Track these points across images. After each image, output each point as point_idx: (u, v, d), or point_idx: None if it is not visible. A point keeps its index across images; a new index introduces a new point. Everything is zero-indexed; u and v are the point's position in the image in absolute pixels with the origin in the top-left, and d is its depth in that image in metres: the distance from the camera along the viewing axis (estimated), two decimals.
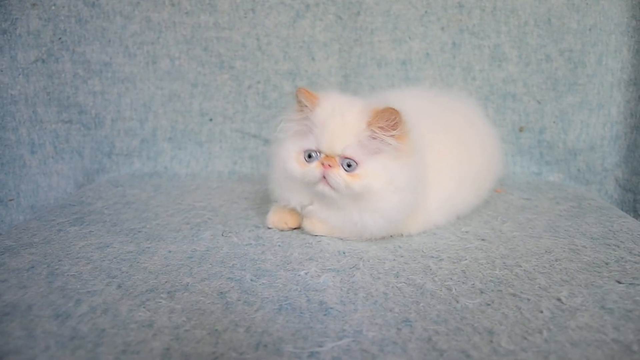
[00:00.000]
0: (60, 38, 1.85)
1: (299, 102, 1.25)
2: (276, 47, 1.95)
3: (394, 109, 1.15)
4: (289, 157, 1.24)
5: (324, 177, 1.19)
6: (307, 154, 1.22)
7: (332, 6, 1.92)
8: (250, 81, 1.97)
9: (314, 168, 1.20)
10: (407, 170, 1.21)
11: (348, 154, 1.18)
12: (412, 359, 0.78)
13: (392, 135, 1.17)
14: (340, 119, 1.19)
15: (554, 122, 1.95)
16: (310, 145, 1.22)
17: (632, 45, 1.85)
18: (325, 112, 1.21)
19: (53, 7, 1.83)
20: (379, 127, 1.17)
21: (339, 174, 1.18)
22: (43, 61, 1.85)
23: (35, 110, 1.87)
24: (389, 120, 1.16)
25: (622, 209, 1.85)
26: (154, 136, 1.99)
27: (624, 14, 1.84)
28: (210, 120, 1.99)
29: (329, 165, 1.18)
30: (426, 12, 1.92)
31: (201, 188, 1.80)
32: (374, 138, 1.18)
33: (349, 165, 1.19)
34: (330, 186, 1.19)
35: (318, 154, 1.21)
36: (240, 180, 1.92)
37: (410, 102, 1.44)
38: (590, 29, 1.88)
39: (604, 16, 1.86)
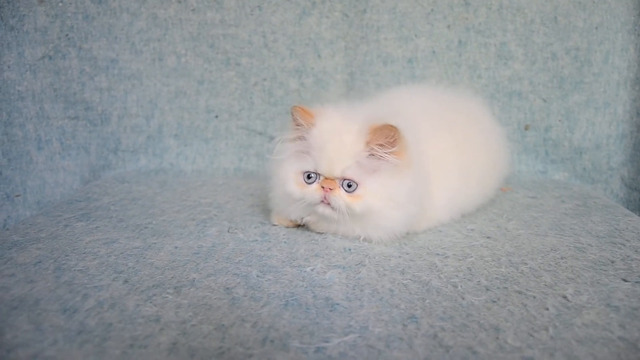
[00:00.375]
0: (67, 35, 1.86)
1: (295, 119, 1.23)
2: (282, 45, 1.95)
3: (391, 126, 1.13)
4: (288, 178, 1.23)
5: (325, 200, 1.19)
6: (306, 175, 1.22)
7: (339, 4, 1.93)
8: (256, 78, 1.97)
9: (314, 191, 1.20)
10: (407, 185, 1.20)
11: (348, 175, 1.18)
12: (418, 355, 0.78)
13: (390, 152, 1.16)
14: (338, 141, 1.18)
15: (560, 120, 1.95)
16: (309, 167, 1.21)
17: (638, 44, 1.85)
18: (322, 133, 1.20)
19: (60, 4, 1.83)
20: (378, 145, 1.16)
21: (339, 196, 1.18)
22: (50, 58, 1.86)
23: (42, 107, 1.88)
24: (387, 138, 1.15)
25: (628, 208, 1.85)
26: (160, 133, 1.99)
27: (631, 12, 1.84)
28: (216, 117, 2.00)
29: (330, 188, 1.18)
30: (432, 10, 1.92)
31: (207, 185, 1.80)
32: (372, 156, 1.17)
33: (349, 186, 1.18)
34: (331, 207, 1.20)
35: (317, 176, 1.21)
36: (246, 177, 1.92)
37: (415, 99, 1.45)
38: (596, 28, 1.88)
39: (610, 14, 1.86)
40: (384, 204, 1.19)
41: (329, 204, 1.19)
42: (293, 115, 1.23)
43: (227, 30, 1.93)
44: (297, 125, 1.23)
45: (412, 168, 1.20)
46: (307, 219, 1.29)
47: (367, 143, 1.16)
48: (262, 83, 1.98)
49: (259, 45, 1.95)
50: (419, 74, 1.96)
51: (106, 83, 1.92)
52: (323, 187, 1.19)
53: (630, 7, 1.84)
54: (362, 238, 1.24)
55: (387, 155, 1.16)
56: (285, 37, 1.95)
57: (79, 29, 1.86)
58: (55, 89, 1.88)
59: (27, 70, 1.84)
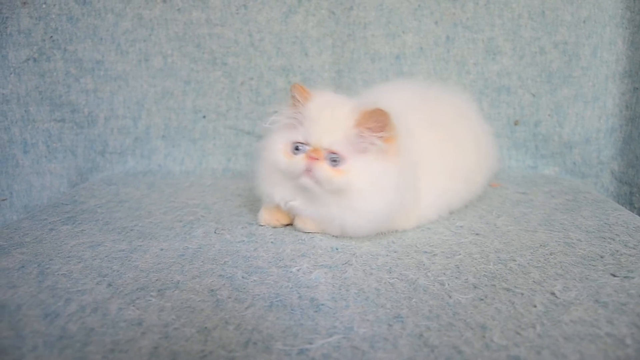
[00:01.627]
0: (51, 36, 1.84)
1: (293, 97, 1.25)
2: (269, 43, 1.94)
3: (383, 110, 1.15)
4: (277, 148, 1.24)
5: (308, 170, 1.19)
6: (294, 146, 1.22)
7: (325, 1, 1.92)
8: (243, 78, 1.96)
9: (300, 160, 1.20)
10: (392, 172, 1.20)
11: (335, 148, 1.18)
12: (403, 355, 0.77)
13: (379, 137, 1.17)
14: (330, 114, 1.20)
15: (549, 115, 1.95)
16: (299, 137, 1.22)
17: (626, 37, 1.85)
18: (317, 106, 1.22)
19: (44, 6, 1.81)
20: (367, 128, 1.17)
21: (323, 167, 1.18)
22: (34, 60, 1.84)
23: (28, 110, 1.86)
24: (377, 122, 1.16)
25: (618, 202, 1.85)
26: (148, 134, 1.98)
27: (618, 6, 1.84)
28: (204, 117, 1.99)
29: (315, 157, 1.18)
30: (419, 5, 1.92)
31: (195, 185, 1.79)
32: (361, 137, 1.18)
33: (334, 161, 1.18)
34: (314, 179, 1.19)
35: (305, 146, 1.21)
36: (234, 177, 1.91)
37: (402, 95, 1.44)
38: (584, 21, 1.87)
39: (598, 8, 1.85)
40: (365, 184, 1.19)
41: (312, 176, 1.19)
42: (291, 92, 1.25)
43: (213, 30, 1.92)
44: (294, 101, 1.25)
45: (399, 158, 1.21)
46: (292, 205, 1.27)
47: (358, 123, 1.17)
48: (249, 82, 1.97)
49: (246, 45, 1.94)
50: (406, 70, 1.96)
51: (92, 85, 1.90)
52: (309, 156, 1.19)
53: (618, 1, 1.84)
54: (336, 223, 1.23)
55: (375, 138, 1.17)
56: (272, 35, 1.94)
57: (63, 31, 1.85)
58: (41, 92, 1.86)
59: (11, 73, 1.83)
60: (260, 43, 1.94)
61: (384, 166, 1.19)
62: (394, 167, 1.20)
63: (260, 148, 1.33)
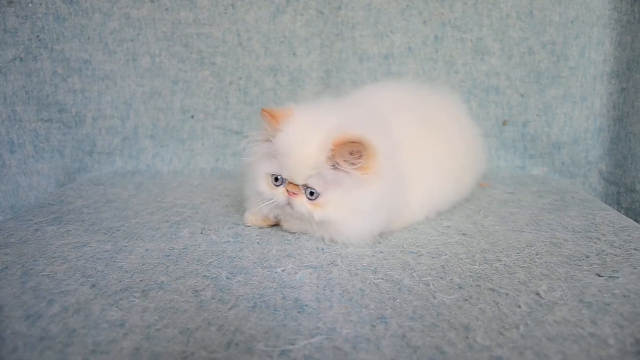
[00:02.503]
0: (38, 36, 1.83)
1: (263, 121, 1.23)
2: (257, 43, 1.94)
3: (357, 140, 1.11)
4: (259, 177, 1.24)
5: (289, 204, 1.20)
6: (274, 177, 1.22)
7: (313, 1, 1.91)
8: (231, 77, 1.96)
9: (281, 193, 1.21)
10: (372, 195, 1.18)
11: (310, 184, 1.17)
12: (385, 356, 0.76)
13: (356, 167, 1.14)
14: (300, 150, 1.16)
15: (538, 115, 1.95)
16: (276, 170, 1.21)
17: (614, 38, 1.85)
18: (287, 140, 1.18)
19: (30, 5, 1.80)
20: (343, 160, 1.14)
21: (301, 203, 1.18)
22: (21, 59, 1.83)
23: (14, 109, 1.85)
24: (352, 152, 1.13)
25: (606, 202, 1.85)
26: (136, 134, 1.97)
27: (606, 6, 1.84)
28: (192, 117, 1.98)
29: (294, 193, 1.19)
30: (407, 5, 1.91)
31: (183, 185, 1.79)
32: (335, 169, 1.15)
33: (311, 193, 1.18)
34: (296, 212, 1.20)
35: (283, 180, 1.21)
36: (223, 177, 1.90)
37: (390, 96, 1.44)
38: (572, 22, 1.87)
39: (585, 8, 1.85)
40: (343, 215, 1.18)
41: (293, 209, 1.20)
42: (262, 118, 1.22)
43: (201, 30, 1.91)
44: (266, 127, 1.23)
45: (380, 179, 1.18)
46: (282, 217, 1.29)
47: (329, 157, 1.14)
48: (238, 82, 1.96)
49: (234, 44, 1.93)
50: (395, 70, 1.95)
51: (79, 84, 1.89)
52: (288, 191, 1.19)
53: (605, 1, 1.84)
54: (327, 239, 1.23)
55: (351, 169, 1.15)
56: (260, 35, 1.93)
57: (50, 30, 1.84)
58: (27, 91, 1.85)
59: None
60: (248, 43, 1.93)
61: (363, 192, 1.17)
62: (375, 190, 1.17)
63: (245, 173, 1.34)
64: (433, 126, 1.41)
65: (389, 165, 1.20)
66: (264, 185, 1.23)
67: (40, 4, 1.82)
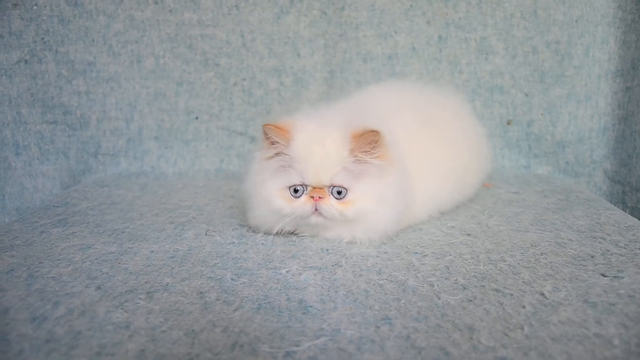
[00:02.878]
0: (42, 38, 1.83)
1: (268, 137, 1.21)
2: (261, 44, 1.94)
3: (373, 131, 1.13)
4: (273, 195, 1.20)
5: (316, 210, 1.18)
6: (292, 189, 1.19)
7: (317, 1, 1.91)
8: (235, 78, 1.96)
9: (305, 203, 1.18)
10: (393, 184, 1.20)
11: (337, 182, 1.17)
12: (390, 358, 0.76)
13: (375, 156, 1.16)
14: (321, 150, 1.16)
15: (542, 114, 1.95)
16: (295, 180, 1.18)
17: (618, 36, 1.84)
18: (304, 144, 1.18)
19: (35, 7, 1.81)
20: (362, 152, 1.16)
21: (331, 205, 1.17)
22: (26, 62, 1.83)
23: (20, 112, 1.85)
24: (370, 143, 1.15)
25: (611, 201, 1.85)
26: (140, 135, 1.97)
27: (610, 5, 1.83)
28: (196, 118, 1.98)
29: (320, 197, 1.17)
30: (411, 5, 1.91)
31: (188, 187, 1.79)
32: (358, 162, 1.17)
33: (339, 193, 1.17)
34: (324, 217, 1.18)
35: (304, 187, 1.19)
36: (227, 178, 1.90)
37: (393, 96, 1.43)
38: (576, 21, 1.87)
39: (590, 7, 1.85)
40: (375, 205, 1.18)
41: (321, 215, 1.18)
42: (267, 134, 1.20)
43: (205, 31, 1.92)
44: (273, 142, 1.21)
45: (395, 167, 1.20)
46: (292, 229, 1.27)
47: (351, 150, 1.16)
48: (242, 83, 1.96)
49: (238, 45, 1.93)
50: (399, 70, 1.95)
51: (84, 86, 1.90)
52: (312, 197, 1.17)
53: (610, 0, 1.83)
54: (345, 241, 1.23)
55: (372, 159, 1.16)
56: (264, 36, 1.93)
57: (54, 32, 1.84)
58: (33, 94, 1.85)
59: (2, 75, 1.82)
60: (252, 44, 1.93)
61: (386, 181, 1.19)
62: (393, 178, 1.20)
63: (251, 194, 1.28)
64: (435, 126, 1.41)
65: (397, 155, 1.22)
66: (281, 202, 1.20)
67: (45, 7, 1.82)
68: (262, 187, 1.23)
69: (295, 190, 1.19)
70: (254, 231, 1.31)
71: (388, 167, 1.18)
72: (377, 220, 1.20)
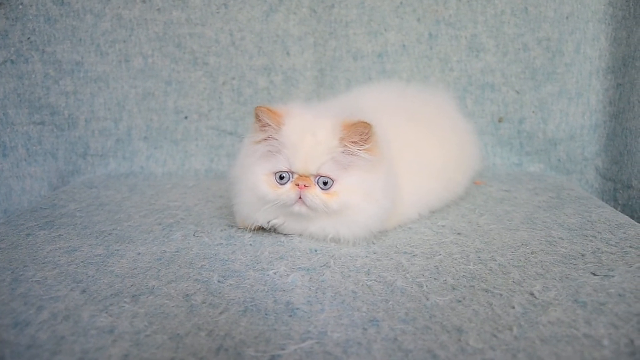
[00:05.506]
0: (29, 38, 1.81)
1: (260, 120, 1.19)
2: (250, 42, 1.93)
3: (365, 122, 1.12)
4: (259, 180, 1.19)
5: (300, 199, 1.16)
6: (278, 176, 1.18)
7: None
8: (224, 77, 1.95)
9: (289, 190, 1.17)
10: (381, 180, 1.19)
11: (323, 172, 1.16)
12: None
13: (364, 149, 1.15)
14: (311, 138, 1.15)
15: (533, 112, 1.94)
16: (281, 166, 1.17)
17: (609, 33, 1.84)
18: (294, 131, 1.17)
19: (20, 7, 1.79)
20: (352, 142, 1.14)
21: (316, 194, 1.15)
22: (12, 62, 1.81)
23: (6, 112, 1.83)
24: (361, 135, 1.13)
25: (602, 198, 1.85)
26: (129, 136, 1.96)
27: (601, 2, 1.83)
28: (186, 118, 1.97)
29: (305, 185, 1.15)
30: (401, 3, 1.90)
31: (177, 187, 1.78)
32: (347, 153, 1.16)
33: (324, 183, 1.16)
34: (307, 206, 1.17)
35: (290, 174, 1.17)
36: (217, 178, 1.89)
37: (380, 95, 1.43)
38: (567, 17, 1.86)
39: (580, 4, 1.85)
40: (360, 199, 1.17)
41: (304, 204, 1.17)
42: (258, 117, 1.19)
43: (194, 30, 1.90)
44: (264, 126, 1.19)
45: (385, 164, 1.19)
46: (275, 222, 1.25)
47: (341, 139, 1.15)
48: (231, 82, 1.95)
49: (226, 44, 1.92)
50: (389, 68, 1.95)
51: (72, 86, 1.88)
52: (298, 185, 1.16)
53: None
54: (329, 237, 1.21)
55: (361, 151, 1.15)
56: (253, 34, 1.92)
57: (41, 32, 1.82)
58: (19, 94, 1.84)
59: None
60: (241, 42, 1.92)
61: (374, 176, 1.18)
62: (382, 174, 1.19)
63: (237, 178, 1.27)
64: (421, 123, 1.40)
65: (387, 152, 1.21)
66: (266, 187, 1.18)
67: (31, 6, 1.80)
68: (248, 171, 1.22)
69: (281, 177, 1.18)
70: (242, 232, 1.30)
71: (377, 162, 1.17)
72: (362, 216, 1.19)
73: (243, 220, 1.29)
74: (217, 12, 1.90)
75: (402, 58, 1.94)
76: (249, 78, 1.95)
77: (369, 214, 1.19)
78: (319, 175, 1.16)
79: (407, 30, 1.93)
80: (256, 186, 1.19)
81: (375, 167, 1.17)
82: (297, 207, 1.18)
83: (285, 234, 1.27)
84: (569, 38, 1.88)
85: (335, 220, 1.19)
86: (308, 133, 1.16)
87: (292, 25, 1.92)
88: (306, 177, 1.16)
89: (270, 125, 1.18)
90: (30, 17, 1.81)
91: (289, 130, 1.17)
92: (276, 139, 1.18)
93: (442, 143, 1.42)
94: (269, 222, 1.25)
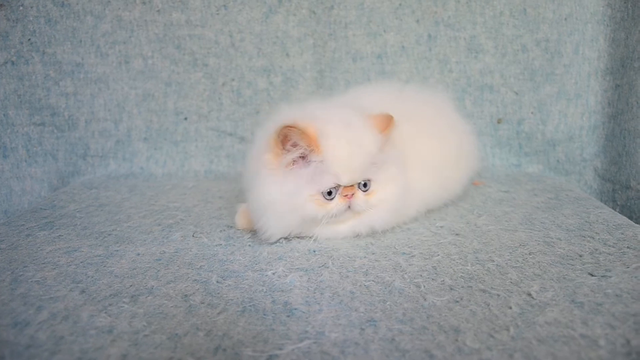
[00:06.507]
0: (29, 39, 1.82)
1: (288, 140, 1.13)
2: (250, 44, 1.93)
3: (391, 116, 1.18)
4: (307, 202, 1.16)
5: (348, 207, 1.18)
6: (326, 192, 1.16)
7: (305, 1, 1.91)
8: (224, 79, 1.95)
9: (339, 203, 1.17)
10: (399, 163, 1.24)
11: (367, 177, 1.19)
12: None
13: (390, 144, 1.20)
14: (359, 151, 1.15)
15: (532, 113, 1.95)
16: (329, 184, 1.15)
17: (608, 34, 1.84)
18: (340, 149, 1.14)
19: (21, 8, 1.79)
20: (386, 142, 1.19)
21: (360, 199, 1.19)
22: (13, 63, 1.82)
23: (7, 113, 1.84)
24: (390, 130, 1.19)
25: (601, 199, 1.85)
26: (129, 137, 1.96)
27: (600, 3, 1.83)
28: (185, 119, 1.97)
29: (352, 194, 1.18)
30: (400, 4, 1.91)
31: (177, 188, 1.78)
32: (381, 153, 1.19)
33: (364, 185, 1.20)
34: (352, 210, 1.20)
35: (337, 188, 1.17)
36: (217, 179, 1.90)
37: (377, 96, 1.43)
38: (566, 19, 1.86)
39: (579, 5, 1.85)
40: (391, 189, 1.22)
41: (350, 209, 1.19)
42: (287, 137, 1.13)
43: (193, 31, 1.91)
44: (294, 145, 1.14)
45: (397, 148, 1.24)
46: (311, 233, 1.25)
47: (381, 146, 1.19)
48: (231, 83, 1.95)
49: (226, 45, 1.92)
50: (389, 69, 1.95)
51: (72, 88, 1.89)
52: (345, 196, 1.18)
53: None
54: (364, 232, 1.25)
55: (389, 147, 1.21)
56: (252, 36, 1.92)
57: (41, 33, 1.83)
58: (20, 95, 1.84)
59: None
60: (240, 44, 1.93)
61: (394, 165, 1.23)
62: (399, 157, 1.25)
63: (271, 201, 1.17)
64: (418, 123, 1.40)
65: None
66: (315, 208, 1.16)
67: (32, 7, 1.81)
68: (290, 196, 1.16)
69: (329, 193, 1.17)
70: (241, 233, 1.31)
71: (395, 150, 1.23)
72: (390, 200, 1.23)
73: (269, 236, 1.22)
74: (217, 14, 1.90)
75: (401, 59, 1.95)
76: (249, 79, 1.95)
77: (395, 196, 1.23)
78: (362, 181, 1.19)
79: (406, 31, 1.93)
80: (305, 209, 1.16)
81: (394, 154, 1.23)
82: (347, 215, 1.21)
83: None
84: (567, 39, 1.88)
85: (369, 214, 1.22)
86: (354, 147, 1.15)
87: (292, 27, 1.93)
88: (351, 186, 1.18)
89: (303, 145, 1.13)
90: (31, 19, 1.81)
91: (333, 149, 1.14)
92: (317, 160, 1.14)
93: (439, 142, 1.42)
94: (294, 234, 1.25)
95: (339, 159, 1.14)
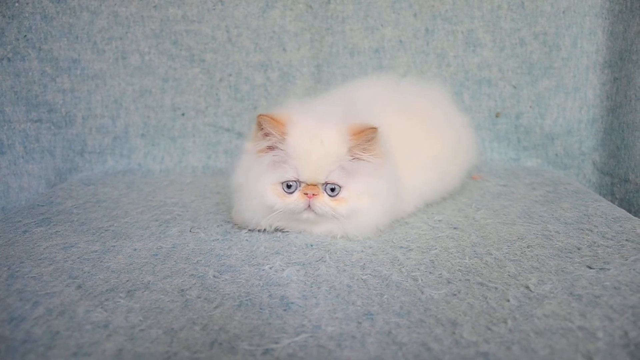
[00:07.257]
0: (25, 36, 1.81)
1: (262, 129, 1.18)
2: (246, 39, 1.92)
3: (372, 128, 1.13)
4: (266, 190, 1.18)
5: (309, 207, 1.17)
6: (285, 185, 1.17)
7: None
8: (221, 74, 1.95)
9: (298, 199, 1.16)
10: (386, 181, 1.20)
11: (331, 180, 1.16)
12: (370, 354, 0.75)
13: (372, 154, 1.16)
14: (320, 148, 1.14)
15: (531, 106, 1.94)
16: (289, 176, 1.16)
17: (606, 27, 1.84)
18: (301, 141, 1.15)
19: (17, 4, 1.79)
20: (360, 150, 1.15)
21: (324, 202, 1.16)
22: (9, 60, 1.81)
23: (3, 110, 1.83)
24: (369, 141, 1.14)
25: (600, 193, 1.85)
26: (127, 133, 1.96)
27: None
28: (183, 115, 1.97)
29: (313, 194, 1.15)
30: None
31: (174, 184, 1.78)
32: (354, 159, 1.16)
33: (332, 190, 1.17)
34: (315, 213, 1.17)
35: (298, 183, 1.17)
36: (214, 175, 1.90)
37: (373, 89, 1.43)
38: (564, 12, 1.86)
39: None
40: (368, 203, 1.18)
41: (313, 211, 1.17)
42: (261, 125, 1.17)
43: (190, 26, 1.90)
44: (267, 134, 1.18)
45: (388, 162, 1.20)
46: (279, 226, 1.25)
47: (350, 149, 1.15)
48: (228, 79, 1.95)
49: (223, 41, 1.92)
50: (386, 64, 1.94)
51: (69, 84, 1.88)
52: (306, 194, 1.16)
53: None
54: (339, 237, 1.22)
55: (368, 157, 1.16)
56: (249, 31, 1.92)
57: (37, 30, 1.82)
58: (16, 92, 1.84)
59: None
60: (237, 39, 1.92)
61: (379, 179, 1.19)
62: (387, 175, 1.20)
63: (241, 184, 1.24)
64: (415, 116, 1.39)
65: (389, 147, 1.21)
66: (274, 197, 1.17)
67: (27, 4, 1.80)
68: (254, 181, 1.20)
69: (289, 186, 1.17)
70: (239, 228, 1.30)
71: (382, 164, 1.18)
72: (369, 217, 1.20)
73: (245, 222, 1.27)
74: (214, 9, 1.90)
75: (398, 53, 1.94)
76: (246, 74, 1.95)
77: (376, 214, 1.21)
78: (326, 183, 1.16)
79: (404, 25, 1.92)
80: (263, 196, 1.18)
81: (380, 169, 1.18)
82: (306, 215, 1.19)
83: (282, 230, 1.27)
84: (565, 32, 1.87)
85: (343, 223, 1.20)
86: (315, 142, 1.15)
87: (289, 22, 1.92)
88: (314, 185, 1.16)
89: (273, 134, 1.17)
90: (27, 15, 1.81)
91: (295, 140, 1.16)
92: (281, 149, 1.17)
93: (436, 135, 1.42)
94: (272, 225, 1.25)
95: (299, 151, 1.15)
